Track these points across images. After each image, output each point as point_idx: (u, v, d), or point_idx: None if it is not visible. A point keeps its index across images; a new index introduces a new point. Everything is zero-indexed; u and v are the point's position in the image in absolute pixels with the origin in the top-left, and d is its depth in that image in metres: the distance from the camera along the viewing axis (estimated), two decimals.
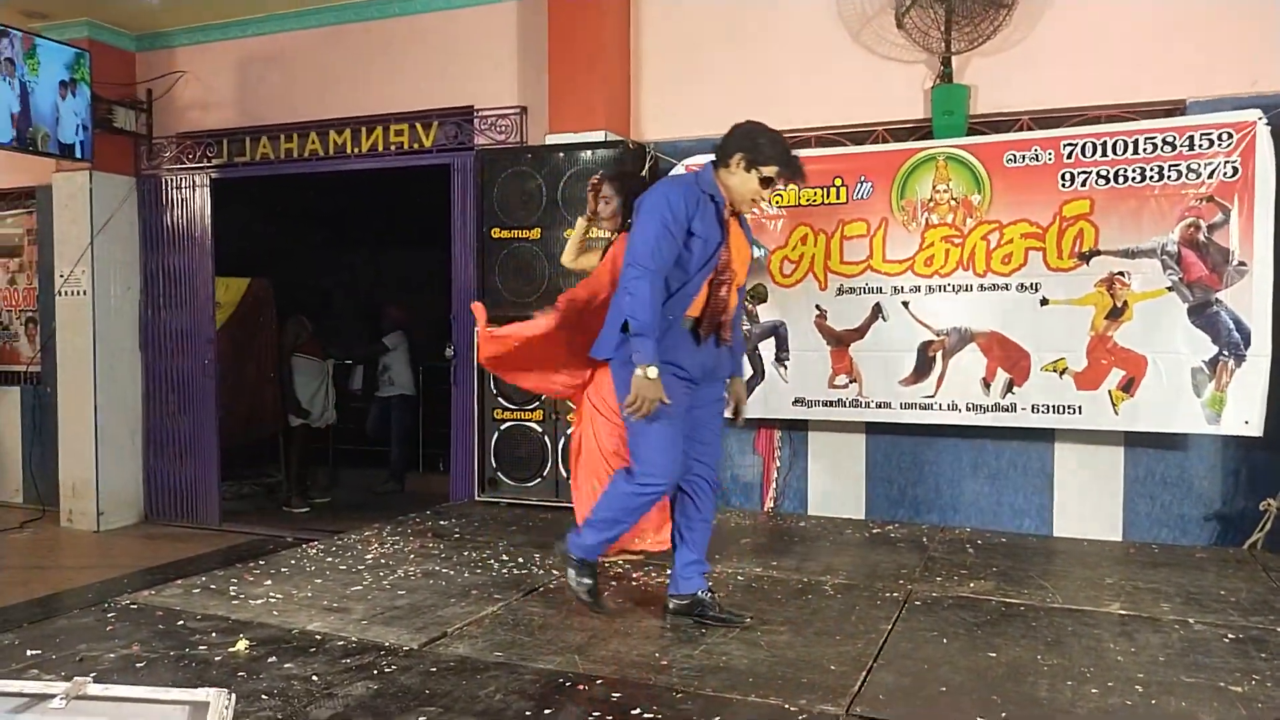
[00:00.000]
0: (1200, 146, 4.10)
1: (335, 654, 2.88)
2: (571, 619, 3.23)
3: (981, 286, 4.48)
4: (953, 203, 4.52)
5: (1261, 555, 4.14)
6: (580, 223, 4.06)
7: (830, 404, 4.82)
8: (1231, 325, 4.10)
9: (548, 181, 5.04)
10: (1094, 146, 4.26)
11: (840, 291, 4.74)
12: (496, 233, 5.21)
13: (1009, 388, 4.44)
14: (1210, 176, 4.09)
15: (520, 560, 4.00)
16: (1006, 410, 4.46)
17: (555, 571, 3.82)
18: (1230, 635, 3.06)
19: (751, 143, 3.04)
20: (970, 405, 4.53)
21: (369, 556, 4.09)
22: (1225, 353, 4.11)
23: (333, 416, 7.68)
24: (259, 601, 3.42)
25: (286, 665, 2.77)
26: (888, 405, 4.69)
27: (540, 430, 5.11)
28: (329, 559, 4.06)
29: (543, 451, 5.10)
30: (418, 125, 5.91)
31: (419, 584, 3.66)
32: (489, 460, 5.23)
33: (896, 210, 4.63)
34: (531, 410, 5.15)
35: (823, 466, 5.07)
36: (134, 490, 6.83)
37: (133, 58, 6.75)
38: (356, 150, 6.08)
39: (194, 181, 6.58)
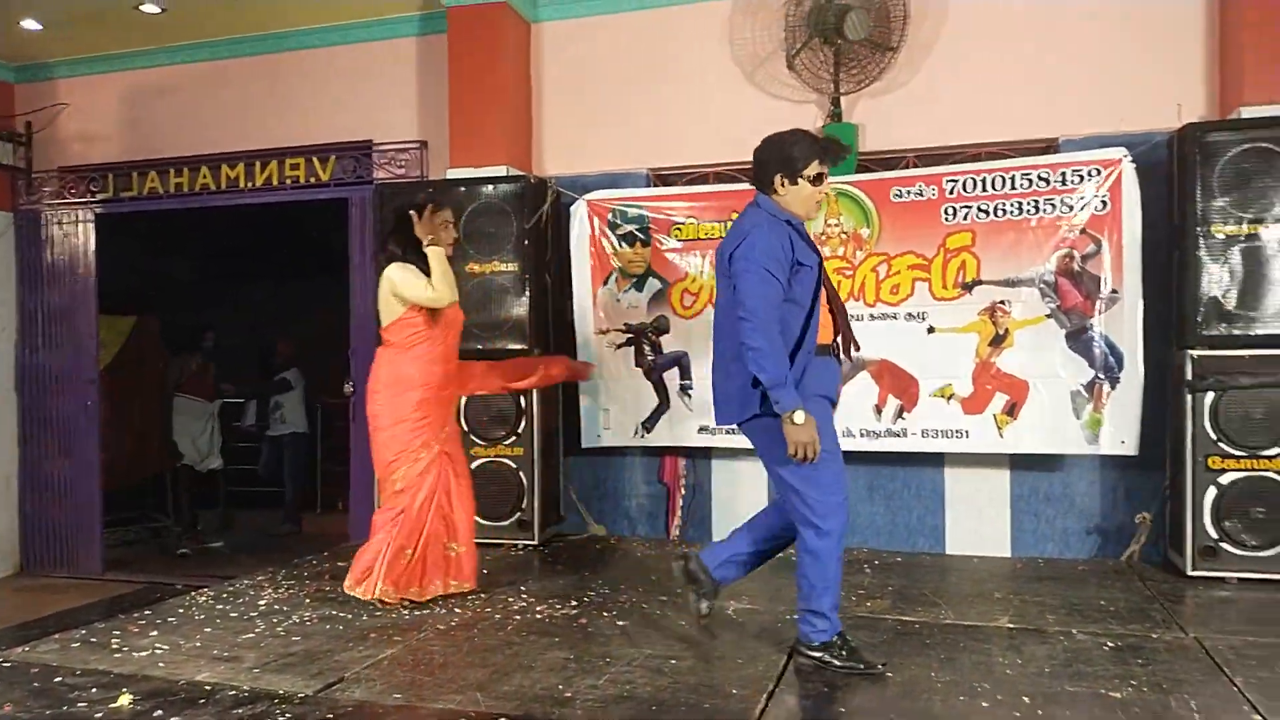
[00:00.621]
0: (1072, 182, 4.34)
1: (225, 704, 2.76)
2: (473, 656, 3.17)
3: (872, 316, 4.62)
4: (843, 236, 4.66)
5: (1138, 566, 4.35)
6: (441, 251, 3.87)
7: (732, 431, 4.87)
8: (1106, 350, 4.32)
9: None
10: (974, 182, 4.46)
11: None
12: None
13: (900, 413, 4.58)
14: (1082, 210, 4.33)
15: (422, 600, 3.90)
16: (898, 435, 4.60)
17: (458, 609, 3.76)
18: (1110, 644, 3.21)
19: (782, 156, 3.01)
20: (864, 431, 4.65)
21: (262, 602, 3.94)
22: (1101, 376, 4.33)
23: (217, 461, 7.35)
24: (144, 653, 3.26)
25: (173, 719, 2.64)
26: None
27: None
28: (219, 606, 3.90)
29: None
30: (314, 159, 5.82)
31: (315, 629, 3.54)
32: None
33: None
34: None
35: (726, 493, 5.13)
36: (8, 540, 6.44)
37: (11, 89, 6.47)
38: (250, 184, 5.95)
39: (77, 217, 6.33)
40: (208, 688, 2.90)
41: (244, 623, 3.63)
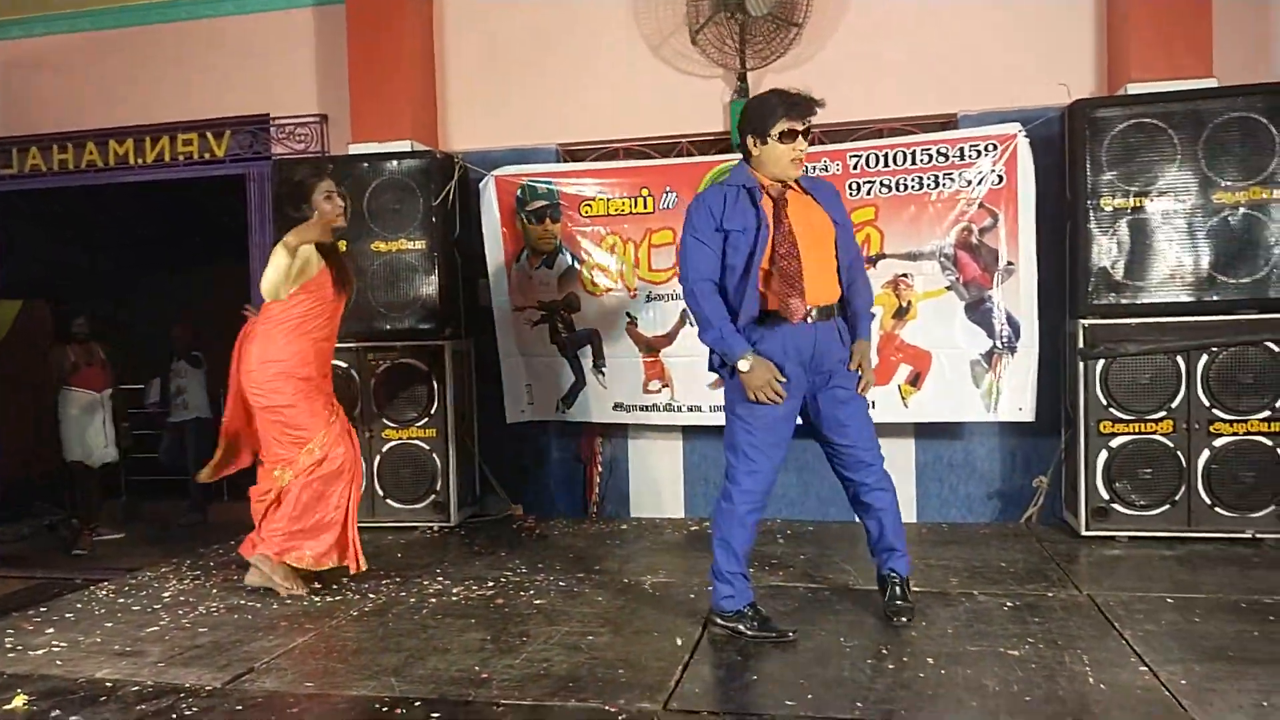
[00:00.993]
0: (970, 157, 4.45)
1: (129, 701, 2.68)
2: (388, 640, 3.14)
3: None
4: None
5: (1035, 528, 4.55)
6: (312, 232, 3.65)
7: (646, 408, 4.92)
8: (1004, 320, 4.47)
9: (352, 193, 4.83)
10: (877, 158, 4.55)
11: (650, 299, 4.85)
12: None
13: None
14: (980, 184, 4.45)
15: (335, 586, 3.84)
16: None
17: (372, 595, 3.71)
18: (1009, 604, 3.35)
19: (752, 117, 3.01)
20: None
21: (166, 594, 3.83)
22: (999, 345, 4.48)
23: (112, 455, 6.97)
24: (40, 652, 3.13)
25: (72, 718, 2.55)
26: (699, 408, 4.83)
27: None
28: (121, 600, 3.77)
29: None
30: (209, 134, 5.62)
31: (223, 619, 3.45)
32: None
33: None
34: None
35: (642, 469, 5.17)
36: None
37: None
38: (141, 160, 5.71)
39: None
40: (109, 684, 2.81)
41: (147, 616, 3.53)
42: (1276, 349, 4.07)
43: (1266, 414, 4.10)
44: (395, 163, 4.87)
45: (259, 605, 3.62)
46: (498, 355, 5.07)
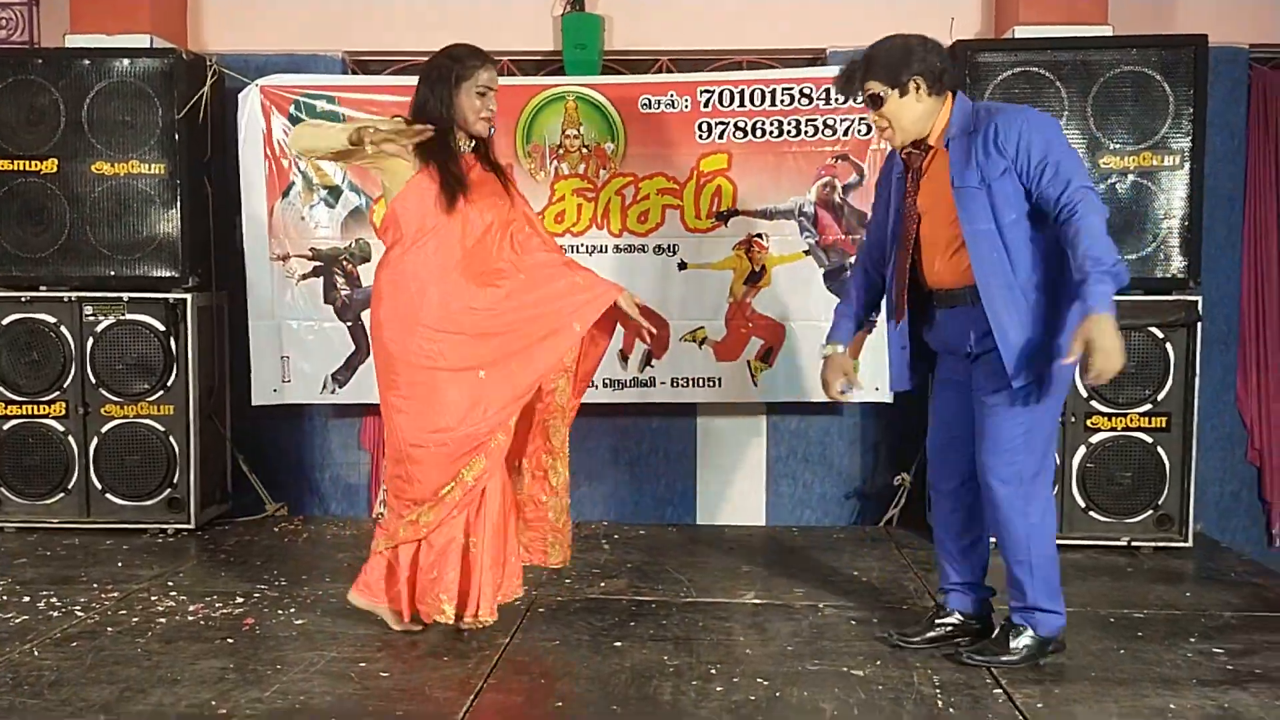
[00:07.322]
0: (836, 100, 4.61)
1: None
2: (99, 670, 3.03)
3: (617, 248, 4.77)
4: (584, 150, 4.75)
5: (896, 533, 4.82)
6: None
7: None
8: None
9: (68, 97, 4.65)
10: (731, 95, 4.67)
11: None
12: None
13: (647, 360, 4.78)
14: (845, 134, 4.65)
15: (27, 600, 3.69)
16: (646, 385, 4.80)
17: (81, 613, 3.57)
18: (856, 618, 3.56)
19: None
20: (608, 381, 4.81)
21: None
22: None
23: None
24: None
25: None
26: None
27: (62, 429, 4.72)
28: None
29: (65, 457, 4.72)
30: None
31: None
32: None
33: (522, 156, 4.78)
34: (47, 402, 4.73)
35: None
36: None
37: None
38: None
39: None
40: None
41: None
42: (1160, 335, 4.44)
43: (1148, 407, 4.47)
44: (127, 61, 4.66)
45: None
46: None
